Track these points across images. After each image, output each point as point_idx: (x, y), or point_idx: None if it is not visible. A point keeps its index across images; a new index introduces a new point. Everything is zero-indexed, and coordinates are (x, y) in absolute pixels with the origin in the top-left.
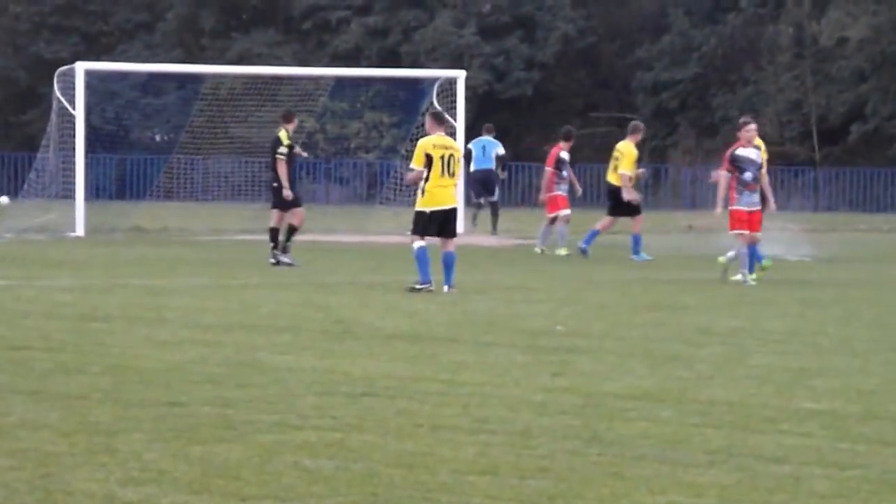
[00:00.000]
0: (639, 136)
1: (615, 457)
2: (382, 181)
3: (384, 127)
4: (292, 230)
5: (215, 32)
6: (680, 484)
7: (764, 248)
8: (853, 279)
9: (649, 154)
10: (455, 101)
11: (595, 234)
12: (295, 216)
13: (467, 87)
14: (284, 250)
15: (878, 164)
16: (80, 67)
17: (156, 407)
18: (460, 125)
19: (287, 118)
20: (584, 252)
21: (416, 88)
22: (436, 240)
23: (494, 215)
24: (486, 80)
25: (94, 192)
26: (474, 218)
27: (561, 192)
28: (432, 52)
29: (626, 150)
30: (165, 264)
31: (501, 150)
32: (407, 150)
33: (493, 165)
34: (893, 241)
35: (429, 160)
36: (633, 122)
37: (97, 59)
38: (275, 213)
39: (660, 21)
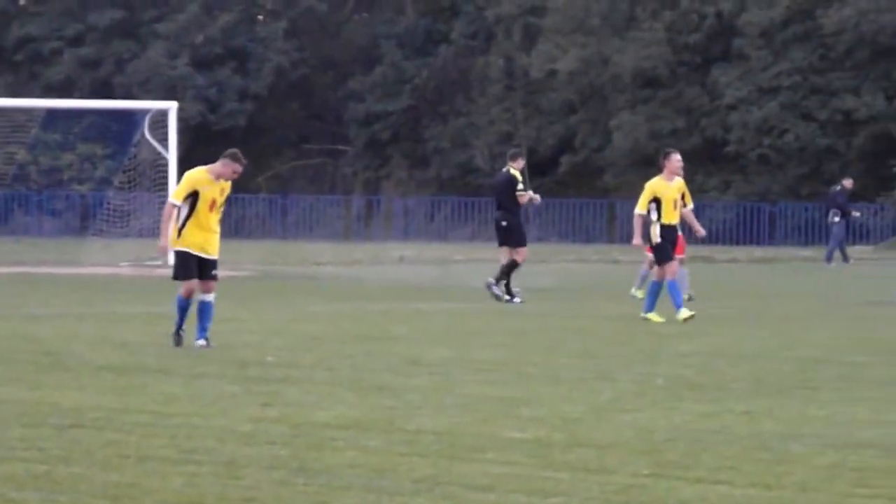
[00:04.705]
0: None
1: (322, 486)
2: (95, 213)
3: (97, 158)
4: (514, 266)
5: None
6: None
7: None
8: (560, 309)
9: (362, 185)
10: (167, 133)
11: None
12: (519, 254)
13: (180, 119)
14: (507, 288)
15: (587, 196)
16: None
17: None
18: (172, 157)
19: (515, 158)
20: None
21: (130, 120)
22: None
23: None
24: (199, 111)
25: None
26: None
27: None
28: (145, 84)
29: None
30: None
31: None
32: (120, 182)
33: None
34: (601, 271)
35: None
36: None
37: None
38: (505, 250)
39: (372, 53)
